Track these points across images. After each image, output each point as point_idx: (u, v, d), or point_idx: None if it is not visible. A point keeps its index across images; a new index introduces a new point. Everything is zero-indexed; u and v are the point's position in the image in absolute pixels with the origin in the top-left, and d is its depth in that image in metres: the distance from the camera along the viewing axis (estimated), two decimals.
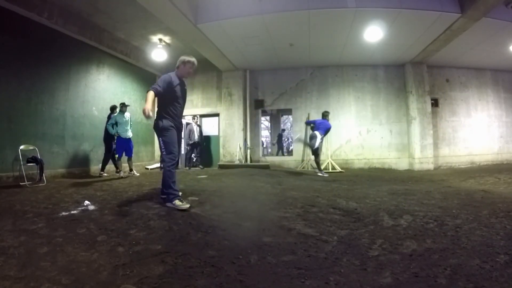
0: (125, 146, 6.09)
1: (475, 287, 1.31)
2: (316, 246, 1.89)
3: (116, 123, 6.02)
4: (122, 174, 5.98)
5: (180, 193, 3.16)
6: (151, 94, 2.88)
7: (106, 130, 6.15)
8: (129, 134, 6.19)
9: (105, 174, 6.19)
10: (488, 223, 2.25)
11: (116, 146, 6.07)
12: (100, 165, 6.35)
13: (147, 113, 2.73)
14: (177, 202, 2.88)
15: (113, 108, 6.29)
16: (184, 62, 3.14)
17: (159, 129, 3.04)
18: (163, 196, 3.08)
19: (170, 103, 3.07)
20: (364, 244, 1.90)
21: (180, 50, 8.16)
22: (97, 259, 1.68)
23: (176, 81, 3.10)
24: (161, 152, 3.09)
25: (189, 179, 5.30)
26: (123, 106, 6.19)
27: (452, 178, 5.48)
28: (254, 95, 8.84)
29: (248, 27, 6.05)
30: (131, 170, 6.20)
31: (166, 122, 3.02)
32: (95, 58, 7.04)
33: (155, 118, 3.16)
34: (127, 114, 6.22)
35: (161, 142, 3.03)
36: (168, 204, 2.91)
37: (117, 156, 6.07)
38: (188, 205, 2.88)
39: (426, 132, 7.82)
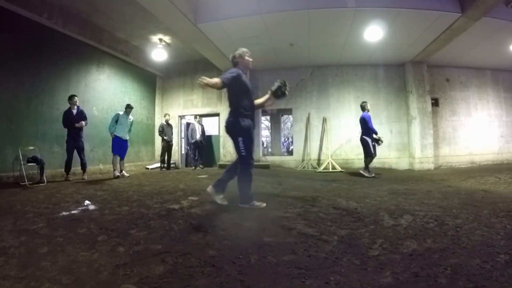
0: (121, 146, 6.10)
1: (476, 286, 1.31)
2: (317, 245, 1.89)
3: (117, 121, 6.02)
4: (117, 174, 5.93)
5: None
6: (216, 79, 2.64)
7: (67, 118, 5.50)
8: (127, 136, 6.23)
9: (70, 178, 5.55)
10: (489, 223, 2.25)
11: (113, 145, 6.05)
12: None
13: (206, 81, 2.49)
14: (256, 202, 2.89)
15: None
16: (241, 55, 3.01)
17: (238, 130, 2.85)
18: (244, 206, 2.93)
19: (244, 98, 2.91)
20: (364, 243, 1.90)
21: (180, 50, 8.18)
22: (97, 259, 1.68)
23: (242, 74, 2.93)
24: (240, 153, 2.85)
25: (189, 179, 5.30)
26: (128, 107, 6.27)
27: (453, 177, 5.48)
28: (254, 94, 8.82)
29: (248, 27, 6.05)
30: (121, 171, 6.17)
31: (247, 121, 2.86)
32: (95, 58, 7.04)
33: (228, 116, 2.95)
34: (130, 117, 6.28)
35: (241, 143, 2.82)
36: (245, 206, 2.86)
37: (113, 153, 6.02)
38: (264, 204, 2.92)
39: (426, 131, 7.81)
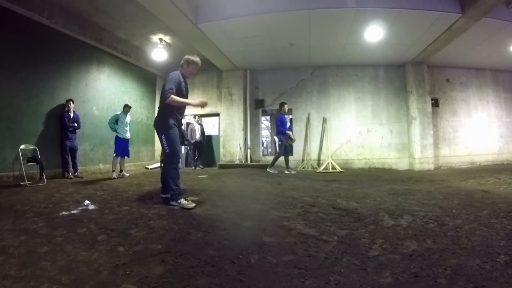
0: (123, 146, 6.10)
1: (475, 287, 1.31)
2: (316, 246, 1.89)
3: (117, 122, 6.04)
4: (115, 176, 5.76)
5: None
6: (174, 97, 2.92)
7: (64, 130, 5.88)
8: (128, 135, 6.23)
9: (71, 176, 5.77)
10: (488, 223, 2.25)
11: (115, 145, 6.06)
12: (73, 167, 6.00)
13: (203, 102, 3.18)
14: (182, 201, 2.89)
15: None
16: (188, 62, 3.15)
17: (162, 127, 3.03)
18: (164, 196, 3.10)
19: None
20: (364, 244, 1.90)
21: (180, 49, 8.17)
22: (97, 259, 1.68)
23: (181, 80, 3.10)
24: (164, 150, 3.06)
25: (189, 179, 5.30)
26: (126, 107, 6.29)
27: (452, 178, 5.48)
28: (255, 94, 8.84)
29: (248, 27, 6.05)
30: (121, 171, 6.13)
31: (169, 121, 3.01)
32: (95, 58, 7.04)
33: (156, 115, 3.19)
34: (128, 117, 6.27)
35: (164, 140, 3.01)
36: (173, 203, 2.91)
37: (114, 155, 6.01)
38: (193, 204, 2.88)
39: (427, 132, 7.81)
